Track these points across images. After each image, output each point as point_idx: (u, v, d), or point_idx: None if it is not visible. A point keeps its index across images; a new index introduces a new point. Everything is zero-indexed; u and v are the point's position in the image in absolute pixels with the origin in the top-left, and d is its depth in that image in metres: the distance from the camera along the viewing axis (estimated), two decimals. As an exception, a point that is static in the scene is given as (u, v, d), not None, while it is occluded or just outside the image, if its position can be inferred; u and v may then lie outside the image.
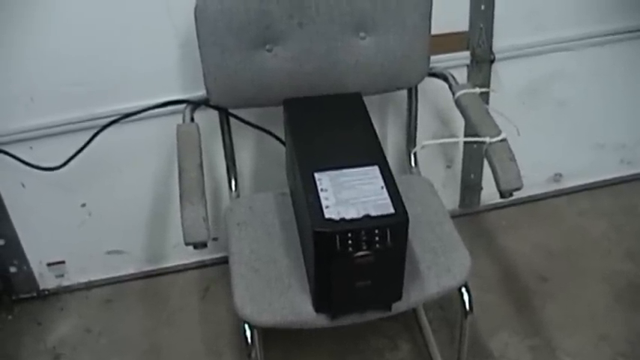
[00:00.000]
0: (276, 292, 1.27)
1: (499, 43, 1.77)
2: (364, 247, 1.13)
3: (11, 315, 1.90)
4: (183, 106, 1.46)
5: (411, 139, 1.61)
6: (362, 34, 1.41)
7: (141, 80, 1.61)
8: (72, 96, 1.60)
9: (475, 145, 1.91)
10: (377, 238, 1.12)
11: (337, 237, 1.11)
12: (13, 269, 1.87)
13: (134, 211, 1.85)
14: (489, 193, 2.04)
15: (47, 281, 1.92)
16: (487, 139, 1.25)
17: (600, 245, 1.96)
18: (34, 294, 1.93)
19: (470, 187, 2.04)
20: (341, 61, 1.43)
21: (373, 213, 1.13)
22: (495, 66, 1.80)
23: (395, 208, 1.14)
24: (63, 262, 1.90)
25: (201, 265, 1.97)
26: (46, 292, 1.93)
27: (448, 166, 1.99)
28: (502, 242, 1.99)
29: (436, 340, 1.69)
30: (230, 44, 1.35)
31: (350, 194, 1.17)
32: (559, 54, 1.84)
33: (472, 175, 2.01)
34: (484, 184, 2.04)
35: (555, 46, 1.82)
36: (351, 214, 1.13)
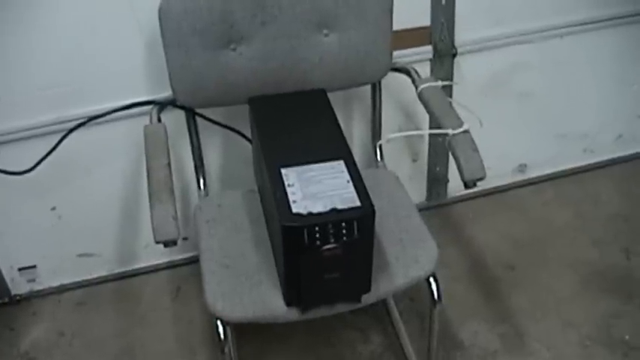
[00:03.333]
0: (246, 287, 1.28)
1: (461, 37, 1.80)
2: (332, 240, 1.15)
3: (-17, 321, 1.89)
4: (150, 107, 1.46)
5: (376, 133, 1.63)
6: (325, 32, 1.43)
7: (109, 82, 1.61)
8: (39, 99, 1.59)
9: (440, 138, 1.94)
10: (344, 231, 1.14)
11: (305, 231, 1.13)
12: (-17, 276, 1.87)
13: (104, 213, 1.85)
14: (455, 186, 2.07)
15: (19, 286, 1.91)
16: (450, 131, 1.28)
17: (565, 234, 2.00)
18: (6, 299, 1.91)
19: (436, 180, 2.07)
20: (305, 59, 1.45)
21: (340, 206, 1.15)
22: (458, 60, 1.83)
23: (361, 201, 1.16)
24: (34, 267, 1.89)
25: (172, 265, 1.98)
26: (18, 298, 1.92)
27: (414, 160, 2.02)
28: (469, 233, 2.03)
29: (407, 332, 1.72)
30: (194, 44, 1.37)
31: (317, 189, 1.18)
32: (520, 46, 1.88)
33: (438, 168, 2.04)
34: (450, 176, 2.07)
35: (516, 38, 1.85)
36: (318, 207, 1.15)
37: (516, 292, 1.83)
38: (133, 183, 1.79)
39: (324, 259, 1.16)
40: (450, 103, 1.38)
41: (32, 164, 1.59)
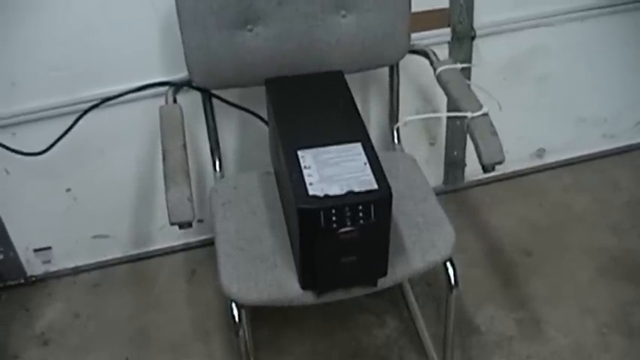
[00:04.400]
0: (262, 270, 1.28)
1: (480, 19, 1.77)
2: (348, 223, 1.13)
3: (-1, 303, 1.91)
4: (165, 88, 1.45)
5: (393, 116, 1.61)
6: (343, 12, 1.41)
7: (124, 63, 1.60)
8: (54, 80, 1.59)
9: (458, 122, 1.93)
10: (361, 214, 1.13)
11: (321, 213, 1.12)
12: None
13: (119, 195, 1.85)
14: (473, 170, 2.05)
15: (34, 267, 1.92)
16: (469, 114, 1.26)
17: (583, 220, 1.98)
18: (22, 280, 1.92)
19: (453, 164, 2.05)
20: (322, 40, 1.43)
21: (357, 189, 1.14)
22: (477, 42, 1.81)
23: (378, 184, 1.15)
24: (49, 248, 1.90)
25: (187, 248, 1.98)
26: (33, 279, 1.93)
27: (431, 144, 2.00)
28: (486, 218, 2.01)
29: (423, 316, 1.71)
30: (211, 24, 1.35)
31: (333, 171, 1.17)
32: (540, 29, 1.84)
33: (455, 152, 2.02)
34: (467, 160, 2.05)
35: (536, 21, 1.82)
36: (335, 190, 1.14)
37: (533, 278, 1.81)
38: (148, 165, 1.78)
39: (341, 242, 1.15)
40: (469, 85, 1.35)
41: (47, 145, 1.58)
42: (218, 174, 1.56)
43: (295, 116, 1.32)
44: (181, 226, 1.16)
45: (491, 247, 1.92)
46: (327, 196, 1.13)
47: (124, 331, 1.78)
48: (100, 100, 1.55)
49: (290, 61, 1.43)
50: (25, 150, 1.62)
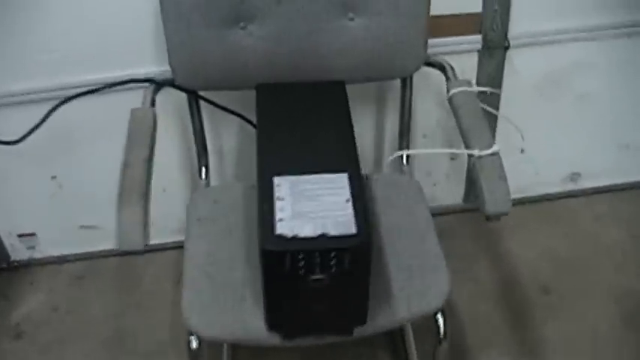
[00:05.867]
0: (228, 302, 1.14)
1: (515, 28, 1.57)
2: (318, 271, 0.98)
3: (-21, 286, 1.82)
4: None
5: (404, 133, 1.44)
6: (350, 15, 1.24)
7: (117, 48, 1.47)
8: (41, 63, 1.47)
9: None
10: (333, 262, 0.98)
11: (287, 257, 0.97)
12: (-19, 238, 1.78)
13: (108, 186, 1.68)
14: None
15: (18, 252, 1.83)
16: (475, 152, 1.08)
17: (613, 256, 1.78)
18: (4, 265, 1.84)
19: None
20: (324, 44, 1.26)
21: (331, 232, 0.98)
22: (510, 53, 1.61)
23: (357, 228, 0.99)
24: (34, 235, 1.80)
25: (179, 246, 1.83)
26: (16, 264, 1.84)
27: (452, 158, 1.82)
28: (506, 244, 1.83)
29: (419, 352, 1.54)
30: (197, 20, 1.20)
31: (310, 206, 1.02)
32: (582, 43, 1.64)
33: (479, 169, 1.84)
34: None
35: (578, 34, 1.62)
36: (307, 231, 0.98)
37: (548, 320, 1.63)
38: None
39: (310, 289, 1.00)
40: (482, 114, 1.17)
41: (22, 134, 1.46)
42: (203, 182, 1.42)
43: (281, 133, 1.16)
44: (133, 253, 1.03)
45: (505, 279, 1.74)
46: (295, 238, 0.98)
47: (100, 331, 1.67)
48: (82, 91, 1.41)
49: (286, 65, 1.27)
50: (5, 134, 1.50)
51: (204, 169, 1.43)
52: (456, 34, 1.56)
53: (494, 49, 1.60)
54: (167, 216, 1.69)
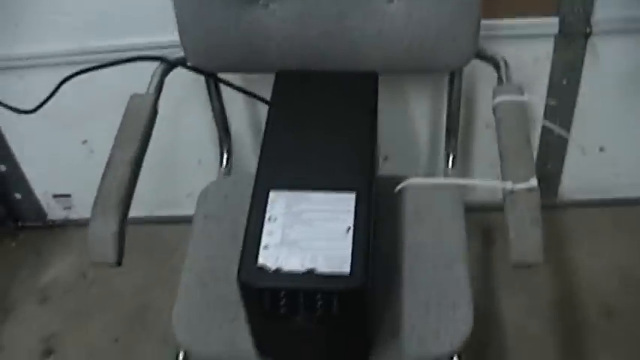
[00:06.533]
0: (218, 319, 1.03)
1: (600, 12, 1.33)
2: (301, 312, 0.84)
3: (15, 242, 1.81)
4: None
5: (452, 134, 1.26)
6: (390, -4, 1.06)
7: (141, 15, 1.36)
8: (60, 25, 1.37)
9: (556, 133, 1.55)
10: (319, 304, 0.83)
11: (266, 295, 0.84)
12: (18, 196, 1.75)
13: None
14: (571, 188, 1.67)
15: (55, 212, 1.80)
16: (507, 185, 0.89)
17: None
18: (40, 223, 1.80)
19: (545, 178, 1.66)
20: (357, 29, 1.08)
21: (321, 268, 0.84)
22: (592, 41, 1.37)
23: (352, 267, 0.83)
24: (69, 196, 1.75)
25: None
26: (51, 223, 1.80)
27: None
28: (572, 251, 1.62)
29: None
30: (210, -5, 1.05)
31: (303, 232, 0.87)
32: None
33: (549, 165, 1.63)
34: (565, 176, 1.66)
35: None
36: (292, 264, 0.84)
37: (605, 348, 1.43)
38: (172, 123, 1.54)
39: (295, 330, 0.87)
40: (527, 134, 0.97)
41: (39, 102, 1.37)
42: (223, 169, 1.30)
43: (290, 133, 1.01)
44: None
45: (563, 294, 1.54)
46: (278, 271, 0.84)
47: (123, 305, 1.63)
48: (85, 68, 1.29)
49: (311, 51, 1.11)
50: (29, 97, 1.42)
51: (225, 156, 1.30)
52: (527, 15, 1.34)
53: (573, 35, 1.36)
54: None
